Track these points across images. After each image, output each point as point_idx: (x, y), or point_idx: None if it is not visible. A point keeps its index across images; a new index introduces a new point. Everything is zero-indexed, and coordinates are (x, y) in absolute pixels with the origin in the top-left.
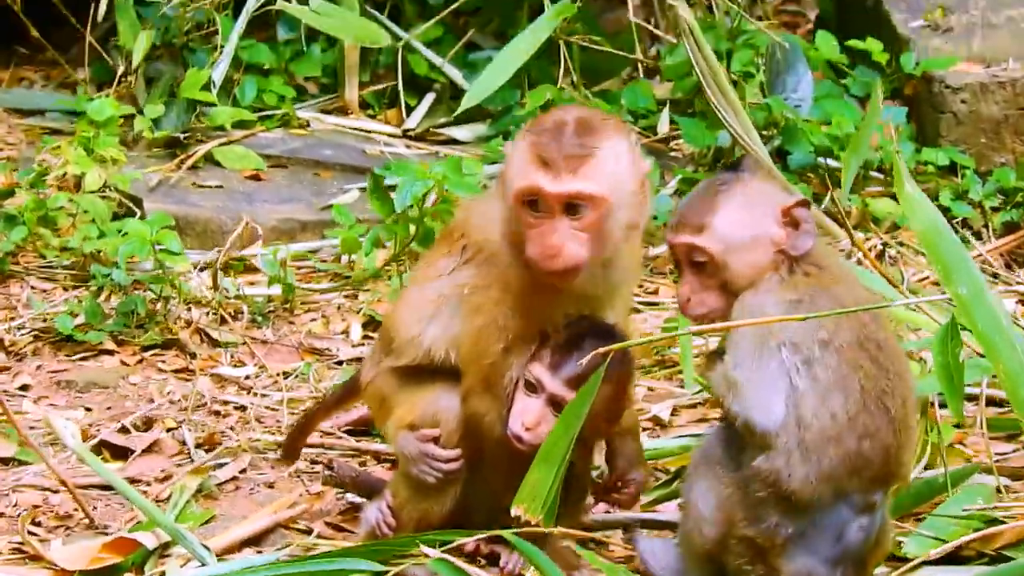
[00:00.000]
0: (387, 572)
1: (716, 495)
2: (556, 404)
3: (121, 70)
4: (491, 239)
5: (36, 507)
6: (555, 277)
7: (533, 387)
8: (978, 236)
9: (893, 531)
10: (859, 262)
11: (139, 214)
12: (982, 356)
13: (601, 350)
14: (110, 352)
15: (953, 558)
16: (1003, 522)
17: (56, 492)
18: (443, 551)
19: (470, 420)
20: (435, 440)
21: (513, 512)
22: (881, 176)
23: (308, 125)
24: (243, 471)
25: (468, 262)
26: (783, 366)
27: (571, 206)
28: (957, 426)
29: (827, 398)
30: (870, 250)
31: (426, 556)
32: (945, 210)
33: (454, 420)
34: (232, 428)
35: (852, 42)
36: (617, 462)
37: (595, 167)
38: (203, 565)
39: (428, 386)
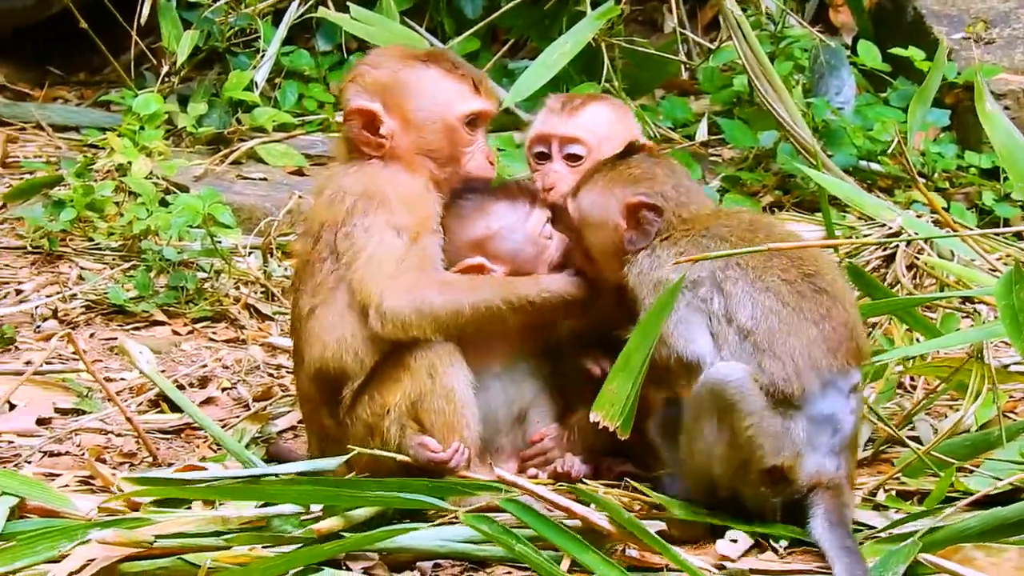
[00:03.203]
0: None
1: (729, 435)
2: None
3: (165, 70)
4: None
5: (102, 447)
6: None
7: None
8: (1019, 236)
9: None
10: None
11: None
12: None
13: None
14: (161, 323)
15: (1010, 498)
16: None
17: (119, 436)
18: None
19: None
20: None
21: (592, 419)
22: (923, 180)
23: None
24: (301, 421)
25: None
26: (691, 303)
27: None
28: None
29: (755, 299)
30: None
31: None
32: (988, 211)
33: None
34: (287, 387)
35: (895, 50)
36: None
37: None
38: None
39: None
